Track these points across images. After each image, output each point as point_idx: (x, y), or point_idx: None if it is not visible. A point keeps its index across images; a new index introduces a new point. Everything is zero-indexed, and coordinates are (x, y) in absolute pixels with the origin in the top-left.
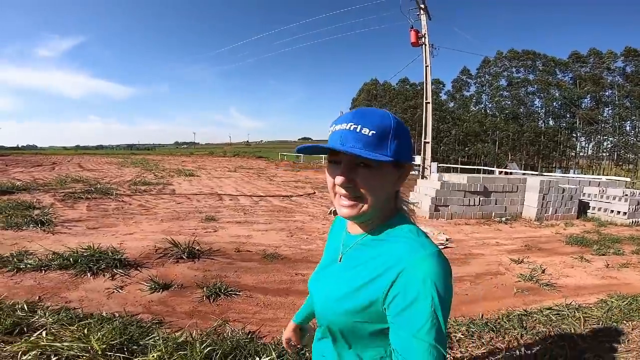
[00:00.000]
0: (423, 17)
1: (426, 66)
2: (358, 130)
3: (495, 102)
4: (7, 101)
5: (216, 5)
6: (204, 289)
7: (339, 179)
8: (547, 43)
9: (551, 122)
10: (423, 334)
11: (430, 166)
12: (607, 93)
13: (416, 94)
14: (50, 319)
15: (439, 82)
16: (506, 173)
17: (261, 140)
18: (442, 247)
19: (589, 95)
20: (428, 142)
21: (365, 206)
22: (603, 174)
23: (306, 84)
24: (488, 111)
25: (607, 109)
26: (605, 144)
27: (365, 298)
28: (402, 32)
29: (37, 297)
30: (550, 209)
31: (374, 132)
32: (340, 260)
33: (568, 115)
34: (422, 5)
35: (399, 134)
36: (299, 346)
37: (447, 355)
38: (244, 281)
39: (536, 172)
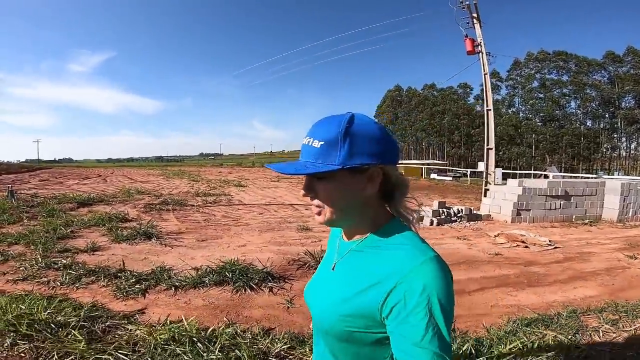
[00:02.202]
0: (477, 26)
1: (484, 74)
2: (310, 143)
3: (529, 104)
4: (44, 116)
5: (241, 18)
6: None
7: (302, 193)
8: (576, 42)
9: (589, 123)
10: (426, 343)
11: (494, 172)
12: None
13: (444, 99)
14: (278, 345)
15: (466, 86)
16: (545, 177)
17: (283, 150)
18: (551, 247)
19: (629, 95)
20: (491, 149)
21: (328, 214)
22: None
23: (326, 91)
24: (521, 114)
25: None
26: None
27: (361, 307)
28: (430, 39)
29: (225, 318)
30: (631, 210)
31: (323, 142)
32: (333, 269)
33: (607, 116)
34: (475, 15)
35: (351, 137)
36: None
37: None
38: None
39: (594, 175)
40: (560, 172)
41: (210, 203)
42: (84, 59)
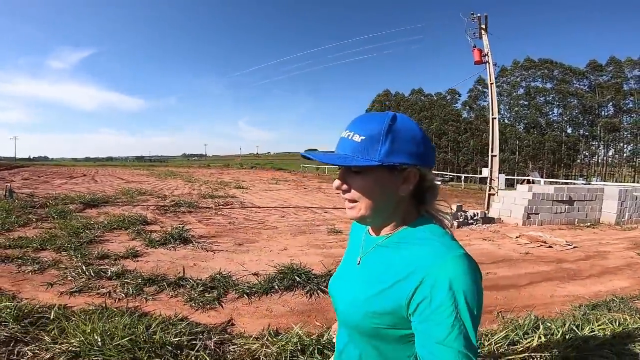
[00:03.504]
0: (485, 37)
1: (491, 83)
2: (350, 137)
3: (514, 111)
4: (21, 112)
5: (235, 18)
6: None
7: (334, 184)
8: (565, 50)
9: (569, 130)
10: (450, 341)
11: (498, 178)
12: (625, 101)
13: (431, 105)
14: None
15: (454, 92)
16: (529, 181)
17: (269, 152)
18: (570, 247)
19: (610, 104)
20: (495, 155)
21: (363, 210)
22: (625, 181)
23: (314, 93)
24: (506, 120)
25: (626, 116)
26: (625, 151)
27: (387, 303)
28: (424, 45)
29: (317, 323)
30: (627, 214)
31: (364, 137)
32: (359, 264)
33: (586, 123)
34: (483, 26)
35: (393, 136)
36: None
37: None
38: None
39: (585, 181)
40: (542, 177)
41: (223, 205)
42: (65, 55)
